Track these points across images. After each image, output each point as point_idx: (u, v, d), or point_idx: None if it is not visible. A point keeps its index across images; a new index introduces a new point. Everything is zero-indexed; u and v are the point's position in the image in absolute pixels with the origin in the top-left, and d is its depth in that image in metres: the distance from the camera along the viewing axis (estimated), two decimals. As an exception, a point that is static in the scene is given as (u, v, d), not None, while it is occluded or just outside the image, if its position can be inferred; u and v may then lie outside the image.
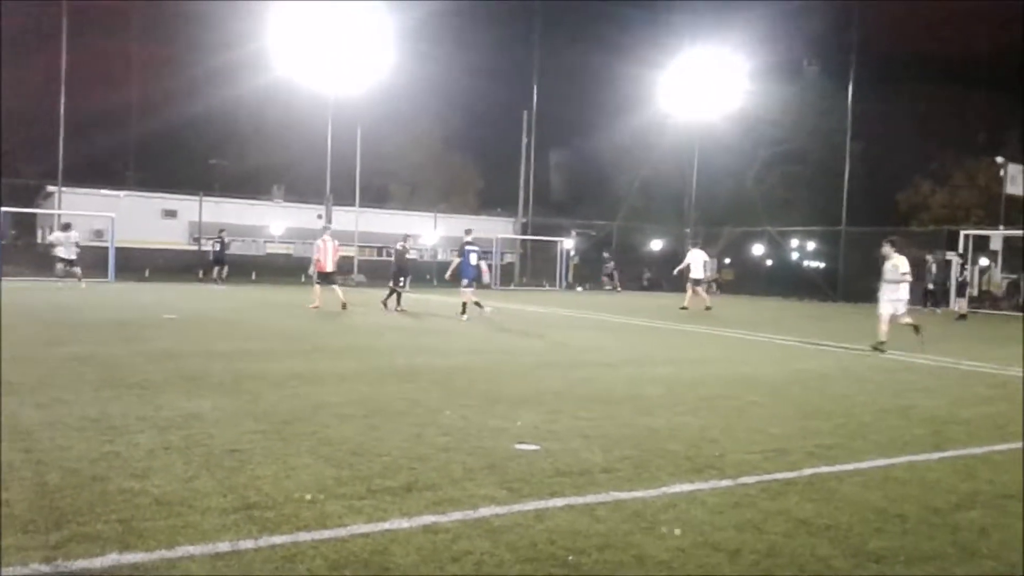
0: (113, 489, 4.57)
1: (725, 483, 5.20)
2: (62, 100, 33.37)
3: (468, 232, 18.65)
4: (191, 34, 43.28)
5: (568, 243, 40.62)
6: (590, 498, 4.72)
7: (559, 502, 4.61)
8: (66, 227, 25.89)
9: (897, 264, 13.33)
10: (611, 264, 37.84)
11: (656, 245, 46.28)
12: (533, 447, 5.89)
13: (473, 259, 18.11)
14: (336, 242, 19.85)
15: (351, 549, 3.81)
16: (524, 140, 44.64)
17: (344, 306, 18.49)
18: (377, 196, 44.96)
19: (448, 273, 18.45)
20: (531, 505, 4.54)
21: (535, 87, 43.72)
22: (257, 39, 34.57)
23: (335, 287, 19.29)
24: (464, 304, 17.92)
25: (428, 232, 40.37)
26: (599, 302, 27.72)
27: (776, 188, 43.78)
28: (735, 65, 38.55)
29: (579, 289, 36.48)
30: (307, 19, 31.99)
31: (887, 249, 13.60)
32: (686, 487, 5.05)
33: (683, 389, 9.01)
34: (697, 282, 23.41)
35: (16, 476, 4.76)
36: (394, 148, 46.48)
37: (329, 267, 19.23)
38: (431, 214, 41.58)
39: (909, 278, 13.40)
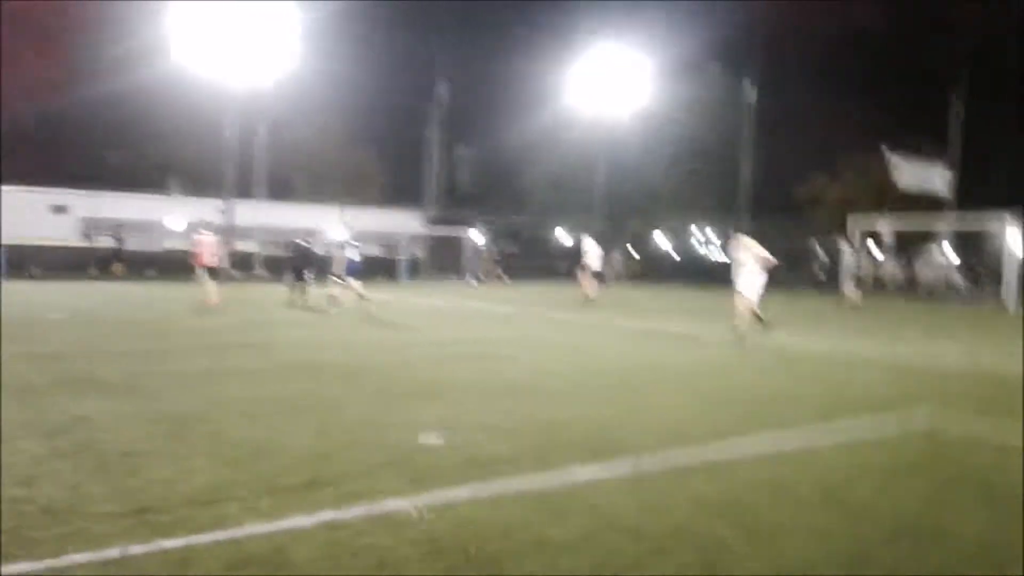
0: (-6, 498, 4.34)
1: (627, 468, 5.28)
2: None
3: (347, 226, 18.68)
4: (77, 21, 41.29)
5: (475, 236, 40.63)
6: (494, 488, 4.73)
7: (463, 493, 4.61)
8: None
9: (752, 248, 13.57)
10: (494, 255, 37.85)
11: (568, 239, 46.77)
12: (437, 440, 5.87)
13: (352, 253, 18.11)
14: (216, 237, 19.22)
15: (248, 549, 3.72)
16: (431, 134, 44.46)
17: (208, 303, 17.58)
18: (280, 189, 44.00)
19: (333, 269, 18.40)
20: (435, 498, 4.52)
21: (441, 79, 43.60)
22: (151, 27, 33.43)
23: (210, 281, 18.15)
24: (359, 295, 17.76)
25: (333, 226, 39.78)
26: (503, 295, 27.82)
27: (683, 183, 44.79)
28: (640, 63, 39.26)
29: (473, 283, 36.36)
30: (206, 6, 31.07)
31: (735, 241, 14.05)
32: (589, 474, 5.11)
33: (586, 378, 9.13)
34: (588, 270, 23.61)
35: None
36: (298, 139, 45.57)
37: (209, 261, 18.28)
38: (335, 207, 40.95)
39: (772, 259, 13.55)
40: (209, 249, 18.35)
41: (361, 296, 17.72)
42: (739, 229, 14.04)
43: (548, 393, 8.08)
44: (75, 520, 4.04)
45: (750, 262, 13.42)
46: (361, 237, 20.30)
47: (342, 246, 18.15)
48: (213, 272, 18.23)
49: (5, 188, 31.70)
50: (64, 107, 41.45)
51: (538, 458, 5.47)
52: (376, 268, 37.15)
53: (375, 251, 39.45)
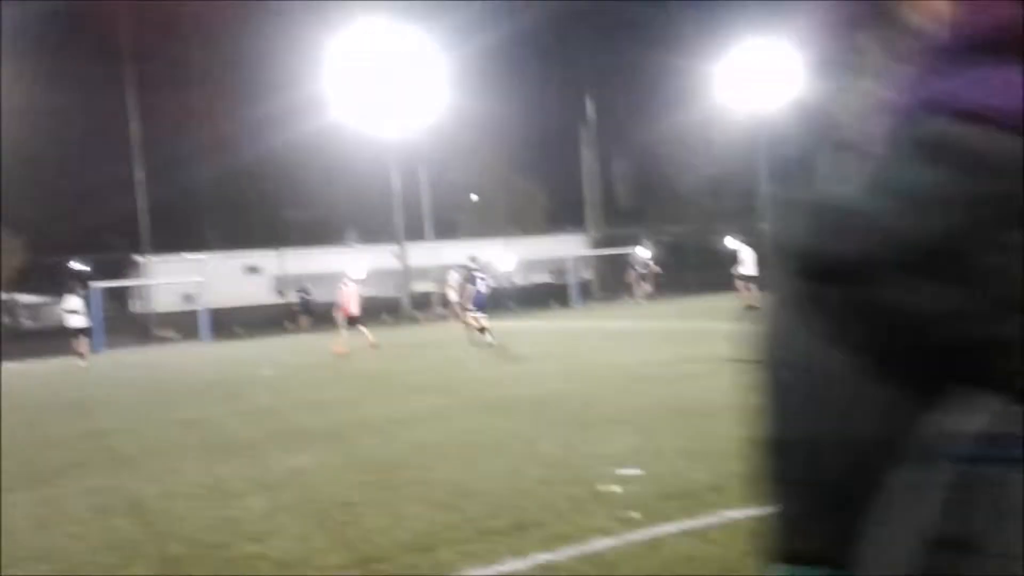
0: (235, 555, 4.70)
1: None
2: (137, 168, 34.93)
3: (473, 259, 18.70)
4: (235, 83, 44.55)
5: (642, 252, 40.30)
6: (702, 521, 4.65)
7: (671, 528, 4.56)
8: (76, 289, 23.33)
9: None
10: (643, 266, 36.98)
11: (735, 246, 45.60)
12: (636, 471, 5.84)
13: (481, 286, 18.13)
14: (357, 285, 20.46)
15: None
16: (585, 154, 44.73)
17: (373, 346, 18.89)
18: (447, 227, 45.54)
19: (459, 301, 18.74)
20: (642, 534, 4.49)
21: (588, 97, 43.84)
22: (305, 85, 35.74)
23: (362, 328, 19.61)
24: (481, 329, 17.73)
25: (501, 257, 40.68)
26: (667, 310, 27.38)
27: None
28: (788, 53, 38.04)
29: (640, 300, 35.60)
30: (357, 61, 32.84)
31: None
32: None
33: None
34: (750, 278, 23.01)
35: (139, 550, 4.94)
36: (457, 178, 47.12)
37: (354, 310, 19.68)
38: (501, 239, 41.86)
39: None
40: (353, 299, 19.62)
41: (483, 329, 17.72)
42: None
43: (746, 412, 7.86)
44: (307, 573, 4.31)
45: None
46: (529, 265, 20.63)
47: (471, 279, 18.41)
48: (354, 321, 19.50)
49: (205, 255, 34.61)
50: (242, 174, 44.80)
51: (744, 484, 5.33)
52: (546, 295, 37.69)
53: (544, 278, 40.02)
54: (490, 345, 16.90)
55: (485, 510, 5.17)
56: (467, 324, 18.33)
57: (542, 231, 46.40)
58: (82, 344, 21.67)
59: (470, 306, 18.11)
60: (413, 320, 32.69)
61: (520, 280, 40.32)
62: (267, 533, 5.07)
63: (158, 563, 4.68)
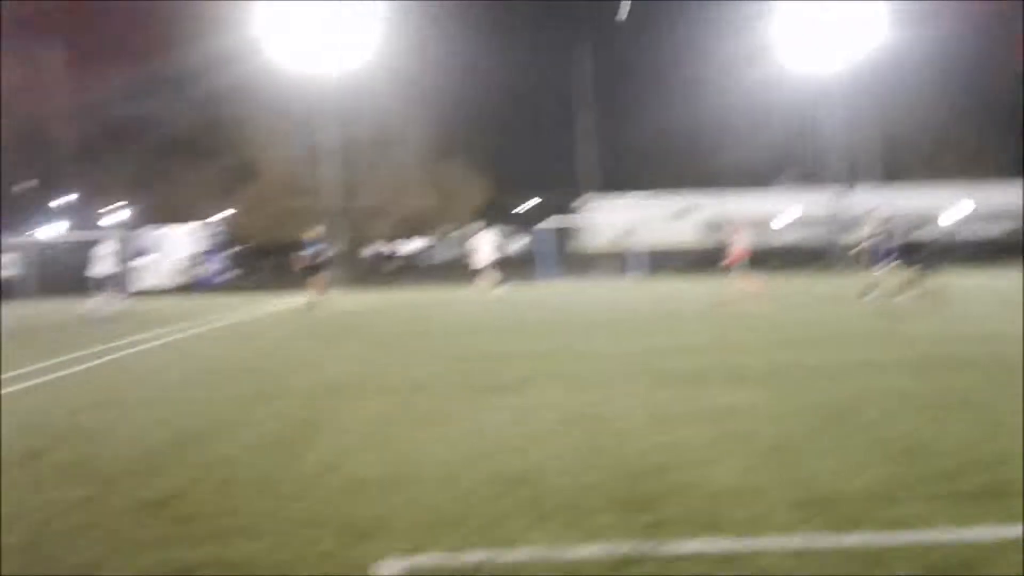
0: (675, 480, 4.79)
1: None
2: (583, 118, 37.14)
3: (884, 207, 16.60)
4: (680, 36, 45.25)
5: None
6: None
7: None
8: (497, 229, 26.28)
9: None
10: None
11: None
12: None
13: (890, 238, 16.03)
14: (753, 230, 19.52)
15: (934, 558, 3.51)
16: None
17: (756, 295, 18.10)
18: (889, 172, 41.85)
19: (870, 250, 16.90)
20: None
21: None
22: (745, 29, 34.99)
23: (750, 276, 18.62)
24: (897, 284, 15.87)
25: (947, 206, 36.60)
26: None
27: None
28: None
29: None
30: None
31: None
32: None
33: None
34: None
35: (589, 462, 5.25)
36: (904, 118, 42.80)
37: (743, 256, 18.69)
38: (954, 186, 37.50)
39: None
40: (743, 244, 18.82)
41: (900, 284, 15.91)
42: None
43: None
44: (753, 505, 4.27)
45: None
46: (984, 216, 18.25)
47: (882, 230, 16.67)
48: (745, 266, 18.70)
49: (640, 197, 36.17)
50: (674, 120, 45.75)
51: None
52: (1001, 249, 33.21)
53: (1001, 229, 35.36)
54: (903, 300, 15.52)
55: (948, 470, 4.70)
56: (879, 277, 17.01)
57: (1006, 177, 40.60)
58: (493, 276, 24.43)
59: (884, 258, 16.73)
60: (843, 270, 30.91)
61: (971, 232, 36.02)
62: (707, 462, 5.12)
63: (608, 475, 4.93)
